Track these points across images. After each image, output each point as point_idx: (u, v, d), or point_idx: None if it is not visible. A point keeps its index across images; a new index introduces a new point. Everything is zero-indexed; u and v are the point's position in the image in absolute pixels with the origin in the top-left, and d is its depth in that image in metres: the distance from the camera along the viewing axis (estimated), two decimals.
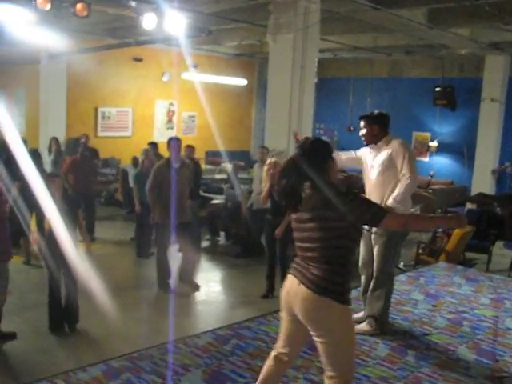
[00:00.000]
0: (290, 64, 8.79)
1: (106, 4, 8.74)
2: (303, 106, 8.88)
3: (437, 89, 13.84)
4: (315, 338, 3.22)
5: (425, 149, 14.92)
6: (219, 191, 10.46)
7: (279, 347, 3.46)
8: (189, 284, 7.16)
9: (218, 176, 11.84)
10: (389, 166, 5.01)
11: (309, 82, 8.96)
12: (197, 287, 7.16)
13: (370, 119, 5.16)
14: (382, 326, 5.21)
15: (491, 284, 6.98)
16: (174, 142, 6.93)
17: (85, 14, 7.11)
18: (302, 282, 3.17)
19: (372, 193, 5.14)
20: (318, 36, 9.19)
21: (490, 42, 11.93)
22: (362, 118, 5.24)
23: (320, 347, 3.21)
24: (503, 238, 9.62)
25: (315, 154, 3.29)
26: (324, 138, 16.31)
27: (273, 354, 3.48)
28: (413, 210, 10.30)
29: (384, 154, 5.05)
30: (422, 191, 12.60)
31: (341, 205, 3.10)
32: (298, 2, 8.60)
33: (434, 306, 6.05)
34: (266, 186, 6.58)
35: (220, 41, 13.35)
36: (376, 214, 3.15)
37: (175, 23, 8.41)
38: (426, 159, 14.97)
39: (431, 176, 14.06)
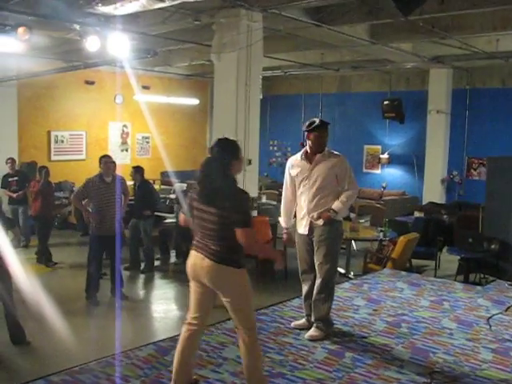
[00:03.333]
0: (234, 82, 8.97)
1: (49, 28, 8.81)
2: (249, 123, 9.05)
3: (385, 102, 14.20)
4: (223, 299, 3.96)
5: (376, 161, 15.26)
6: (172, 210, 10.55)
7: (190, 315, 4.10)
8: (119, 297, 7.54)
9: (172, 196, 11.92)
10: (332, 179, 5.29)
11: (254, 99, 9.15)
12: (126, 298, 7.64)
13: (325, 127, 5.32)
14: (329, 327, 5.39)
15: (432, 287, 7.20)
16: (104, 159, 7.69)
17: (26, 37, 7.18)
18: (205, 256, 3.89)
19: (311, 203, 5.34)
20: (262, 53, 9.40)
21: (432, 55, 12.36)
22: (319, 126, 5.30)
23: (228, 306, 3.97)
24: (450, 245, 9.90)
25: (222, 152, 3.92)
26: (277, 154, 16.59)
27: (185, 323, 4.11)
28: (362, 220, 10.61)
29: (326, 167, 5.29)
30: (374, 203, 12.91)
31: (234, 200, 3.83)
32: (240, 21, 8.80)
33: (374, 310, 6.22)
34: None
35: (170, 62, 13.52)
36: (246, 221, 3.82)
37: (120, 45, 8.51)
38: (378, 171, 15.33)
39: (383, 187, 14.43)
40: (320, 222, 5.29)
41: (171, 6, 7.79)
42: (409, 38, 10.82)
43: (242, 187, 4.02)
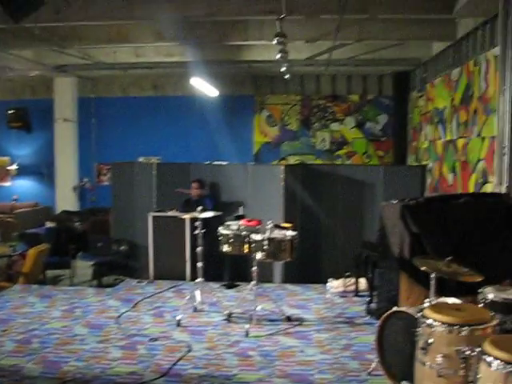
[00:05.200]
0: None
1: None
2: None
3: (10, 111, 13.80)
4: None
5: (5, 173, 14.63)
6: None
7: None
8: None
9: None
10: None
11: None
12: None
13: None
14: None
15: (65, 296, 7.24)
16: None
17: None
18: None
19: None
20: None
21: (55, 64, 12.34)
22: None
23: None
24: (84, 251, 10.07)
25: None
26: None
27: None
28: None
29: None
30: (5, 217, 12.39)
31: None
32: None
33: (4, 330, 5.94)
34: None
35: None
36: None
37: None
38: (8, 184, 14.73)
39: (15, 200, 13.94)
40: None
41: None
42: (28, 45, 10.61)
43: None
